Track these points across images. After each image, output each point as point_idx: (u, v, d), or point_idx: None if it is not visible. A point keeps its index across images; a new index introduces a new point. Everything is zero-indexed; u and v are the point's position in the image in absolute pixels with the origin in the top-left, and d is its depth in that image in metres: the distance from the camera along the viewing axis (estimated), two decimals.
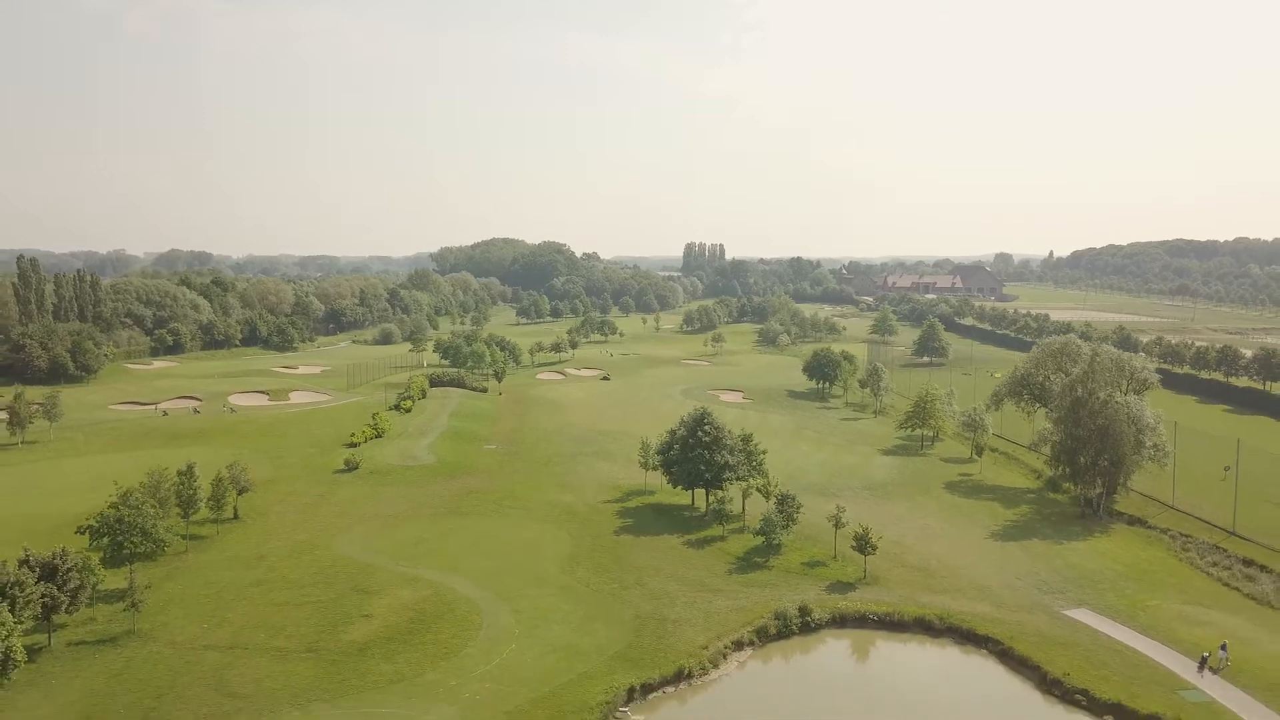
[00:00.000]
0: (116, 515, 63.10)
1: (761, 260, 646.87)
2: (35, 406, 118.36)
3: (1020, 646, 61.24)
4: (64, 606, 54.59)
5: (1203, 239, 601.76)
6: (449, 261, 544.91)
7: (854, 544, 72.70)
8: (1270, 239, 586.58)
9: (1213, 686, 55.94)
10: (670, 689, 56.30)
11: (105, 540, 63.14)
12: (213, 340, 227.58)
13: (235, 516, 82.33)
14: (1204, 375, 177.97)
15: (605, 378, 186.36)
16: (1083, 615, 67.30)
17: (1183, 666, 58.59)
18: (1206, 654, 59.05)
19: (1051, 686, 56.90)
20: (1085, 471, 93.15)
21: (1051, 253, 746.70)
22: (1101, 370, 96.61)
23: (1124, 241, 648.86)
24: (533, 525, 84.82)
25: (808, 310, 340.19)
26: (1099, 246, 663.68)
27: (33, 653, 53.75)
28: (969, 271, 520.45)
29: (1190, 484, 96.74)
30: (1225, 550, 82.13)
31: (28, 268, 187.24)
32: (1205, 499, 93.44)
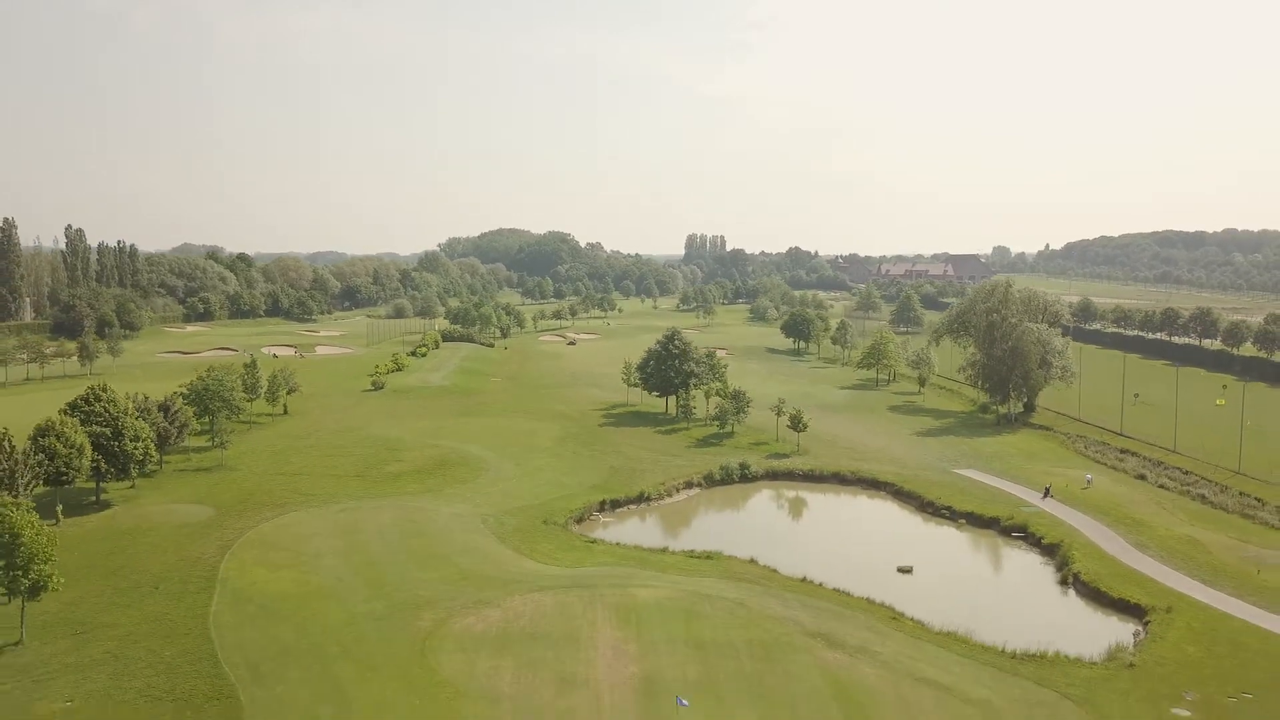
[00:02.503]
0: (203, 384, 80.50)
1: (763, 252, 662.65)
2: (101, 343, 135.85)
3: (909, 486, 78.27)
4: (173, 438, 71.97)
5: (1191, 230, 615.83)
6: (457, 250, 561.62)
7: (789, 424, 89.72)
8: (1258, 230, 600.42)
9: (1049, 505, 72.76)
10: (633, 506, 73.51)
11: (192, 408, 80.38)
12: (239, 310, 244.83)
13: (285, 412, 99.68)
14: (1149, 336, 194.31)
15: (571, 343, 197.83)
16: (968, 472, 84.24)
17: (1033, 496, 75.46)
18: (1049, 485, 76.06)
19: (925, 507, 73.97)
20: (1000, 385, 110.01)
21: (1048, 245, 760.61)
22: (1014, 301, 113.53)
23: (1116, 233, 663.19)
24: (531, 421, 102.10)
25: (800, 293, 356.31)
26: (1091, 238, 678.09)
27: (148, 475, 71.11)
28: (961, 261, 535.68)
29: (1103, 407, 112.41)
30: (1108, 444, 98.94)
31: (75, 237, 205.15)
32: (1110, 416, 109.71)
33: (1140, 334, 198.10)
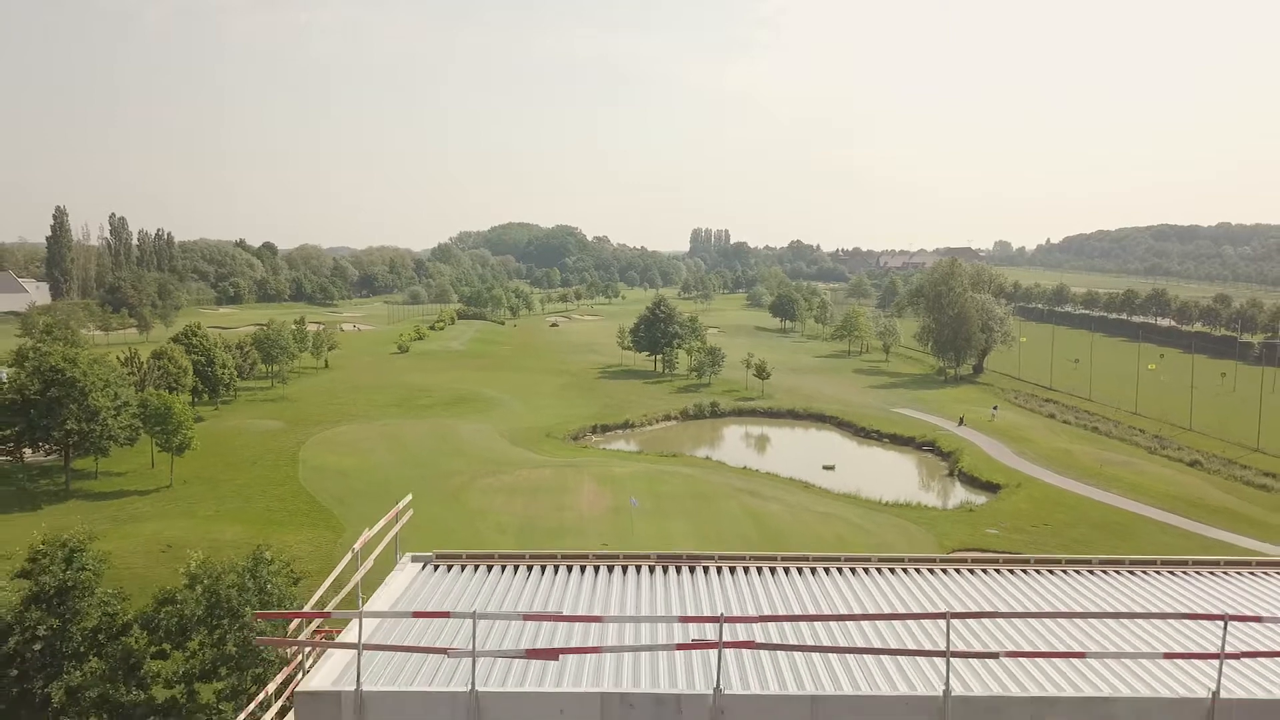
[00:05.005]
0: (264, 334, 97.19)
1: (767, 246, 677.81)
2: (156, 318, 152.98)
3: (849, 418, 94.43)
4: (244, 372, 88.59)
5: (1186, 224, 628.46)
6: (467, 243, 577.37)
7: (754, 373, 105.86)
8: (1252, 224, 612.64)
9: (961, 431, 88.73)
10: (620, 430, 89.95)
11: (258, 351, 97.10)
12: (265, 295, 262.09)
13: (326, 365, 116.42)
14: (1110, 316, 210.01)
15: (554, 324, 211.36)
16: (904, 410, 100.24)
17: (949, 424, 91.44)
18: (963, 415, 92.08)
19: (860, 432, 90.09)
20: (947, 347, 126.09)
21: (1048, 239, 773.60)
22: (961, 275, 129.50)
23: (1113, 227, 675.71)
24: (537, 375, 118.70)
25: (796, 283, 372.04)
26: (1089, 232, 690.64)
27: (226, 403, 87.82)
28: (957, 254, 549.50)
29: (1045, 370, 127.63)
30: (1036, 395, 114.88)
31: (118, 225, 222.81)
32: (1048, 376, 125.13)
33: (1104, 314, 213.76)
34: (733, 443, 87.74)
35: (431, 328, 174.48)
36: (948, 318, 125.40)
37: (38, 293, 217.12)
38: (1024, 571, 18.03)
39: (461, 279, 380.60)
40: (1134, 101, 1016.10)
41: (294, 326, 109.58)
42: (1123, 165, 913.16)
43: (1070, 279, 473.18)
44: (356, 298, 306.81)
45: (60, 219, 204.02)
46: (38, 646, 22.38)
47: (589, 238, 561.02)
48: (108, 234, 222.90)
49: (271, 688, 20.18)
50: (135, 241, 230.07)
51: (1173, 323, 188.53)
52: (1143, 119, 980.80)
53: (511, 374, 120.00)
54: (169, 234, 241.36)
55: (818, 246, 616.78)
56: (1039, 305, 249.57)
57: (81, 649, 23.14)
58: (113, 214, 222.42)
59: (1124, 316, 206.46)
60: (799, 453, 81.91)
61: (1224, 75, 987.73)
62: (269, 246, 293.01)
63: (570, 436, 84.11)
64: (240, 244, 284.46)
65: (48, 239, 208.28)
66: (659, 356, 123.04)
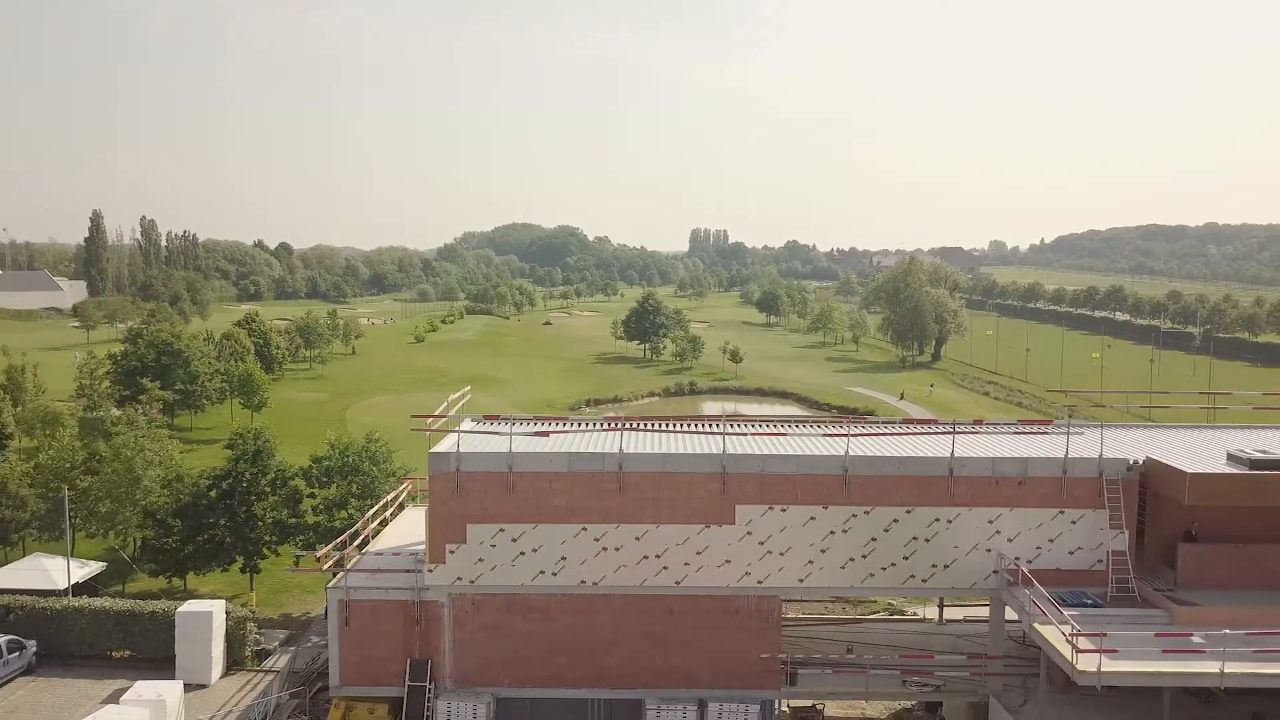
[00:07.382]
0: (304, 322, 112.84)
1: (765, 246, 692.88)
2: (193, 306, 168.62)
3: (809, 395, 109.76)
4: (291, 354, 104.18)
5: (1174, 224, 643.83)
6: (471, 243, 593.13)
7: (729, 357, 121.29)
8: (1238, 223, 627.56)
9: (900, 403, 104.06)
10: (611, 404, 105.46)
11: (300, 338, 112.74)
12: (283, 292, 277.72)
13: (354, 352, 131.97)
14: (1077, 312, 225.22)
15: (547, 323, 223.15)
16: (857, 389, 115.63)
17: (891, 398, 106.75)
18: (903, 391, 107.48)
19: (814, 406, 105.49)
20: (904, 336, 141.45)
21: (1042, 239, 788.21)
22: (919, 272, 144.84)
23: (1104, 227, 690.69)
24: (540, 361, 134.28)
25: (788, 281, 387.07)
26: (1080, 231, 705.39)
27: (276, 379, 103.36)
28: (949, 253, 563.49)
29: (996, 357, 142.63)
30: (980, 378, 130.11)
31: (149, 226, 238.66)
32: (999, 363, 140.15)
33: (1069, 310, 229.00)
34: (705, 413, 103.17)
35: (443, 321, 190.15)
36: (905, 310, 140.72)
37: (72, 290, 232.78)
38: (783, 425, 34.76)
39: (467, 278, 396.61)
40: (1130, 101, 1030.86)
41: (328, 315, 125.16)
42: (1116, 165, 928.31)
43: (1059, 278, 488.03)
44: (367, 295, 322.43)
45: (97, 221, 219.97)
46: (244, 485, 37.81)
47: (590, 238, 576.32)
48: (138, 235, 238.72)
49: (390, 496, 36.22)
50: (164, 243, 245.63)
51: (1129, 317, 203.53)
52: (1138, 119, 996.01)
53: (517, 360, 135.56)
54: (194, 235, 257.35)
55: (814, 246, 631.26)
56: (1013, 302, 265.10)
57: (264, 489, 38.55)
58: (143, 216, 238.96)
59: (1088, 312, 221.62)
60: None
61: (1219, 76, 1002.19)
62: (285, 247, 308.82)
63: (568, 408, 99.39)
64: (259, 244, 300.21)
65: (85, 240, 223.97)
66: (647, 344, 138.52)
